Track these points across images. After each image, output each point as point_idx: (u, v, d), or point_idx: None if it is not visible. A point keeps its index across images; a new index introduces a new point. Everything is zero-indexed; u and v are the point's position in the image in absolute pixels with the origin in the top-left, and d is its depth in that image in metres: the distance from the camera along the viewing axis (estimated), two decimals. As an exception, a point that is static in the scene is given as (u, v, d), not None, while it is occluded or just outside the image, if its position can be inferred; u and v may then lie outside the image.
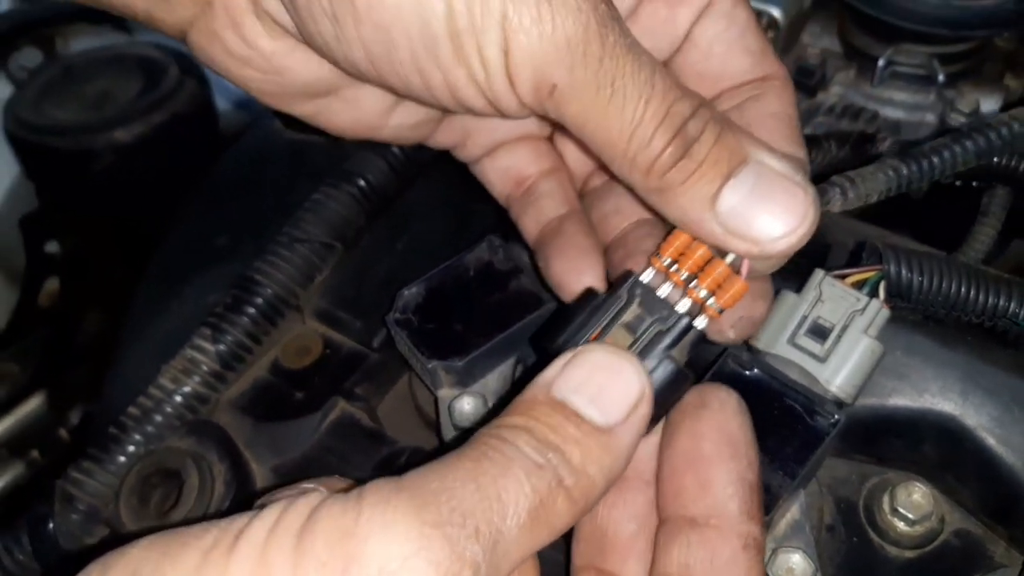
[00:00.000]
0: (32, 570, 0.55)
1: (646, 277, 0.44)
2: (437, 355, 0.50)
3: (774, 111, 0.48)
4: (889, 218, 0.58)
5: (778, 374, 0.48)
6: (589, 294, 0.45)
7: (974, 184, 0.66)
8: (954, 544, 0.49)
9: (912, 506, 0.49)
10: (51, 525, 0.54)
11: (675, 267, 0.44)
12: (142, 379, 0.56)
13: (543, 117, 0.43)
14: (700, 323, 0.43)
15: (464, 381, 0.51)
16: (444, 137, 0.55)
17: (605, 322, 0.43)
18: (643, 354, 0.42)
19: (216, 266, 0.61)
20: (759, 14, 0.81)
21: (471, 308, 0.52)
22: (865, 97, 0.81)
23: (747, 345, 0.50)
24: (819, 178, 0.55)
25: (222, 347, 0.56)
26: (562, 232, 0.50)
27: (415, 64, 0.41)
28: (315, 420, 0.55)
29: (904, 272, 0.50)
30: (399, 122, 0.52)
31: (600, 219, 0.52)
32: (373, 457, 0.54)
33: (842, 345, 0.48)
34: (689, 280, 0.43)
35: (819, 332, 0.48)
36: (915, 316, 0.52)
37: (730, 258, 0.43)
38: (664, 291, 0.43)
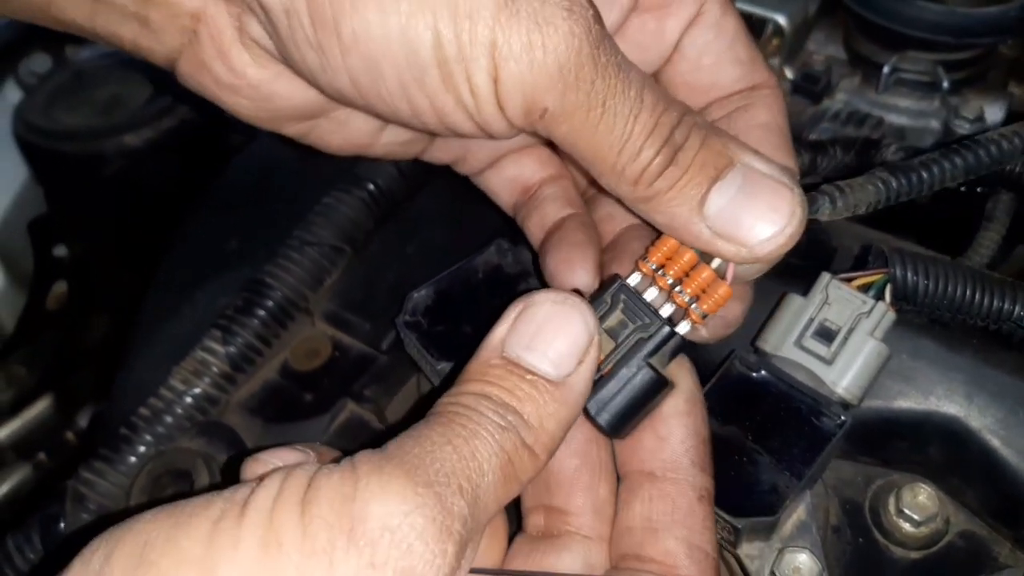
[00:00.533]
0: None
1: (632, 281, 0.44)
2: (446, 357, 0.50)
3: (763, 121, 0.47)
4: (894, 223, 0.58)
5: (785, 376, 0.48)
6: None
7: (979, 189, 0.67)
8: (959, 545, 0.49)
9: (917, 507, 0.49)
10: (62, 525, 0.54)
11: (661, 271, 0.44)
12: (153, 381, 0.56)
13: (532, 134, 0.43)
14: (683, 328, 0.43)
15: (473, 382, 0.51)
16: (442, 154, 0.55)
17: None
18: (622, 362, 0.42)
19: (226, 270, 0.62)
20: (764, 21, 0.81)
21: (480, 310, 0.52)
22: (870, 104, 0.81)
23: (754, 347, 0.50)
24: (819, 184, 0.55)
25: (232, 349, 0.57)
26: (561, 230, 0.50)
27: (403, 91, 0.41)
28: (324, 422, 0.56)
29: (910, 275, 0.51)
30: (390, 139, 0.52)
31: (598, 222, 0.52)
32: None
33: (848, 347, 0.48)
34: (675, 285, 0.43)
35: (825, 334, 0.48)
36: (921, 319, 0.52)
37: (716, 263, 0.43)
38: (650, 295, 0.43)
